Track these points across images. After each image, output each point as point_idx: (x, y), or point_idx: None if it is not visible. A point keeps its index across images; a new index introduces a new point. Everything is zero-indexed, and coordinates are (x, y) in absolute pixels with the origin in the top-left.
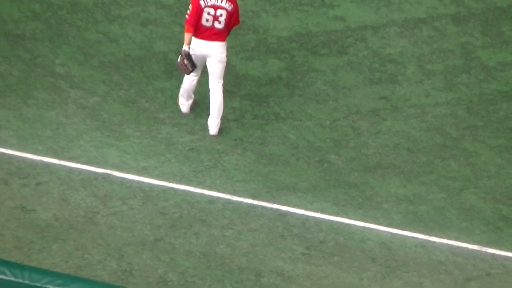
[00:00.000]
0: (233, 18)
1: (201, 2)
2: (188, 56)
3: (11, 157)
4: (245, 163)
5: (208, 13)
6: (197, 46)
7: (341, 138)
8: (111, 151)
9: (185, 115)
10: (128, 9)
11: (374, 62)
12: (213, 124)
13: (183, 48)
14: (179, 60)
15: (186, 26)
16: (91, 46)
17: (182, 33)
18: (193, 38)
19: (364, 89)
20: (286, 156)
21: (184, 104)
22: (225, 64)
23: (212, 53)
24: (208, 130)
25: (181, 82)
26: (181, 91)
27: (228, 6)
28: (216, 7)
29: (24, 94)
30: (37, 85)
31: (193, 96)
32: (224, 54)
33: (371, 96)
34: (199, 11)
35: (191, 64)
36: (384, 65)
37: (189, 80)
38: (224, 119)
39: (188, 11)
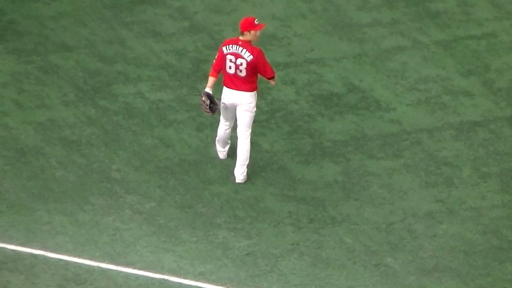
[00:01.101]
0: (258, 69)
1: (224, 48)
2: (208, 96)
3: (67, 263)
4: (301, 267)
5: (230, 60)
6: (225, 95)
7: (397, 241)
8: (167, 256)
9: (221, 161)
10: (184, 114)
11: (430, 165)
12: (238, 171)
13: (205, 89)
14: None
15: (211, 70)
16: (147, 151)
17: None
18: (223, 88)
19: (420, 192)
20: (343, 260)
21: (221, 151)
22: (253, 113)
23: (240, 102)
24: (234, 179)
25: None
26: (217, 138)
27: (247, 56)
28: (236, 56)
29: (80, 199)
30: (93, 191)
31: (229, 142)
32: (253, 104)
33: (427, 199)
34: (222, 56)
35: (211, 103)
36: (439, 168)
37: (223, 129)
38: (279, 220)
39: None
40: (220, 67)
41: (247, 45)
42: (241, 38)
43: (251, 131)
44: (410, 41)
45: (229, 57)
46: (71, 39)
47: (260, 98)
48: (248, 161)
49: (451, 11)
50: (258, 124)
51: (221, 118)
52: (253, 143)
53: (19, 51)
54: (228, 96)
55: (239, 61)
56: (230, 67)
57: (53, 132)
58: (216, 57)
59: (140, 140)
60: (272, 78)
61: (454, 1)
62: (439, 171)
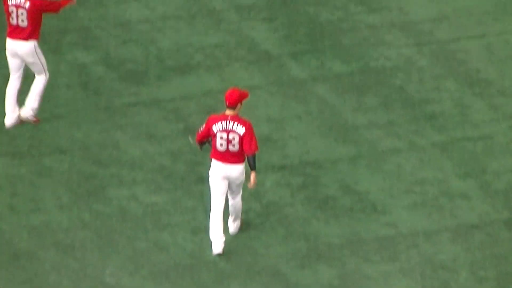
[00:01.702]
0: (244, 142)
1: (214, 127)
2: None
3: None
4: None
5: (221, 138)
6: (217, 169)
7: None
8: None
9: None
10: (178, 217)
11: (426, 268)
12: (232, 224)
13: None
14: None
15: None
16: (141, 255)
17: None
18: (213, 161)
19: None
20: None
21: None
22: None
23: (234, 176)
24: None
25: None
26: (211, 228)
27: (240, 129)
28: (228, 131)
29: None
30: None
31: (224, 237)
32: (243, 176)
33: None
34: (210, 134)
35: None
36: (436, 272)
37: (219, 212)
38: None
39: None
40: (203, 141)
41: (237, 118)
42: (229, 112)
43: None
44: (406, 143)
45: (220, 134)
46: (65, 141)
47: (255, 200)
48: (240, 214)
49: (448, 113)
50: (254, 228)
51: (214, 196)
52: (248, 247)
53: (12, 153)
54: (221, 169)
55: (231, 136)
56: (221, 145)
57: (47, 236)
58: (201, 131)
59: (134, 244)
60: (254, 154)
61: (450, 102)
62: (436, 275)
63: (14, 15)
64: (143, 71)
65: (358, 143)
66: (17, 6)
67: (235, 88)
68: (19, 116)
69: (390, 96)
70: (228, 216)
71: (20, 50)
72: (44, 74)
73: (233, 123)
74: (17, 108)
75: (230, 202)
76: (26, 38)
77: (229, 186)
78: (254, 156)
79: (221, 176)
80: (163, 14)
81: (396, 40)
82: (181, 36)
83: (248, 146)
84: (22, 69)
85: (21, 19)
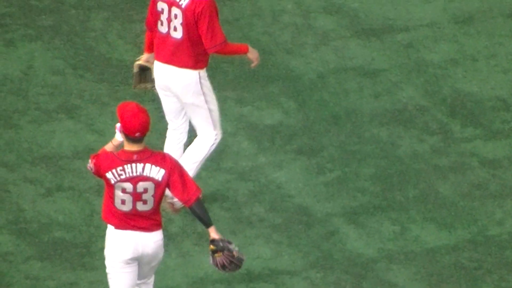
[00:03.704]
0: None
1: (109, 176)
2: None
3: None
4: None
5: (124, 191)
6: (117, 242)
7: None
8: None
9: None
10: None
11: None
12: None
13: None
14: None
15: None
16: None
17: None
18: (109, 228)
19: None
20: None
21: None
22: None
23: (146, 253)
24: None
25: None
26: None
27: (157, 173)
28: (135, 180)
29: None
30: None
31: None
32: (162, 251)
33: None
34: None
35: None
36: None
37: None
38: None
39: None
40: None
41: (149, 156)
42: (133, 149)
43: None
44: None
45: (121, 186)
46: None
47: None
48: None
49: None
50: None
51: None
52: None
53: None
54: (127, 243)
55: (141, 186)
56: (123, 202)
57: None
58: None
59: None
60: (199, 199)
61: None
62: None
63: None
64: None
65: None
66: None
67: (133, 104)
68: None
69: None
70: None
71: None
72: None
73: (143, 166)
74: None
75: None
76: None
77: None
78: (200, 202)
79: (129, 257)
80: None
81: None
82: None
83: (182, 192)
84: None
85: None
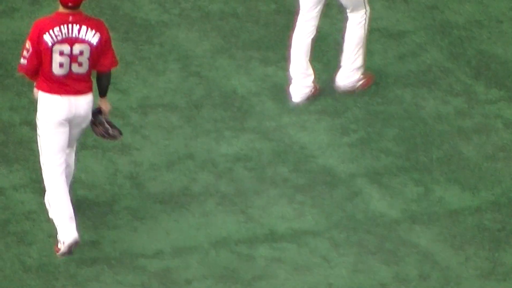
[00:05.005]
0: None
1: (47, 38)
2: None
3: None
4: None
5: (61, 53)
6: (58, 107)
7: None
8: None
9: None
10: None
11: None
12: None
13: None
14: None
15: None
16: None
17: None
18: (49, 96)
19: None
20: None
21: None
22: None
23: (79, 115)
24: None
25: None
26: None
27: (92, 36)
28: (72, 42)
29: None
30: None
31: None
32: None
33: None
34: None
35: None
36: None
37: (58, 173)
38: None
39: None
40: (37, 67)
41: (84, 19)
42: (69, 12)
43: None
44: None
45: (59, 48)
46: None
47: None
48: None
49: None
50: None
51: (53, 154)
52: None
53: None
54: (62, 107)
55: (77, 48)
56: (61, 65)
57: None
58: (28, 55)
59: None
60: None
61: None
62: None
63: None
64: None
65: None
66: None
67: None
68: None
69: None
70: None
71: None
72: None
73: (79, 28)
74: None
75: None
76: None
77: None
78: (110, 74)
79: (63, 118)
80: None
81: None
82: None
83: (108, 60)
84: None
85: None
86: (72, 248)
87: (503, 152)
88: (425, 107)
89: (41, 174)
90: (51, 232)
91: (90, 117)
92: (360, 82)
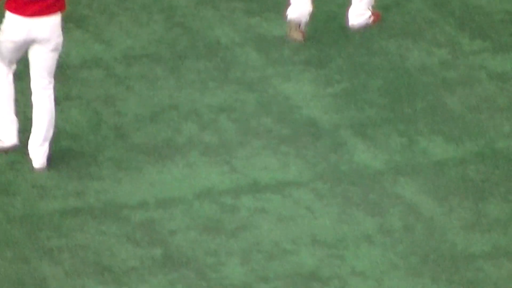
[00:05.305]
0: None
1: None
2: None
3: None
4: None
5: None
6: (18, 28)
7: None
8: None
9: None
10: None
11: None
12: (39, 150)
13: None
14: None
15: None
16: None
17: None
18: (10, 16)
19: None
20: None
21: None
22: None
23: (46, 36)
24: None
25: None
26: None
27: None
28: None
29: None
30: None
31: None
32: (61, 38)
33: None
34: None
35: None
36: None
37: (7, 82)
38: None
39: None
40: None
41: None
42: None
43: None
44: None
45: None
46: None
47: None
48: (52, 133)
49: None
50: None
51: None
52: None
53: None
54: (22, 27)
55: None
56: None
57: None
58: None
59: None
60: None
61: None
62: None
63: None
64: None
65: None
66: None
67: None
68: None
69: None
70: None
71: None
72: None
73: None
74: None
75: (38, 103)
76: None
77: (35, 61)
78: None
79: (20, 40)
80: None
81: None
82: None
83: None
84: None
85: None
86: (8, 152)
87: (487, 103)
88: (410, 58)
89: None
90: (35, 183)
91: (58, 39)
92: (372, 19)
